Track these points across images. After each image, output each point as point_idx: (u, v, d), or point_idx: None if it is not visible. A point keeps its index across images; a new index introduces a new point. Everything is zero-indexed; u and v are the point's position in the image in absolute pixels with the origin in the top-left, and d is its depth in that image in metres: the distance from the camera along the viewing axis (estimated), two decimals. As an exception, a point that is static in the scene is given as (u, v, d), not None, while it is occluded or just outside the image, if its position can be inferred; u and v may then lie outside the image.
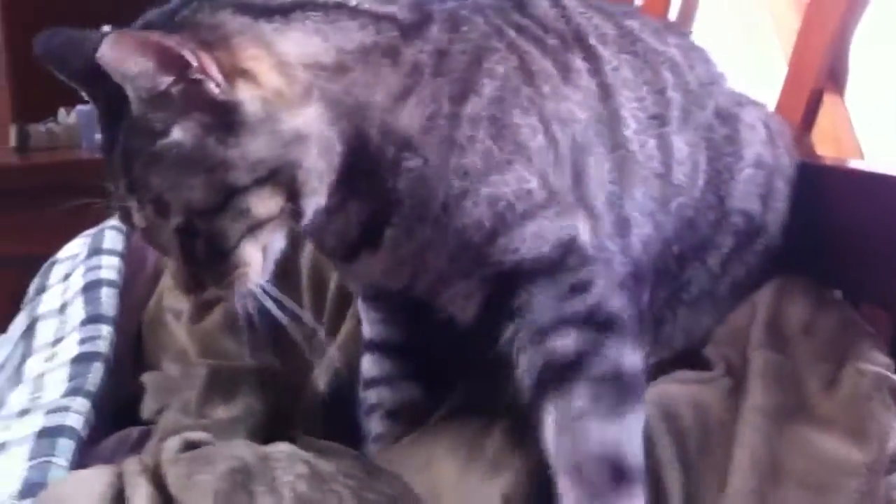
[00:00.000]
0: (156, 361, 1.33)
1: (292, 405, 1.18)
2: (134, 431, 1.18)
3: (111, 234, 1.50)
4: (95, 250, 1.46)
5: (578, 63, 1.01)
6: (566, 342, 0.90)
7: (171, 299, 1.35)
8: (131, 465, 0.92)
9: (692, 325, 1.10)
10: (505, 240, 0.92)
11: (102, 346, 1.24)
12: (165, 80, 0.82)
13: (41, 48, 0.91)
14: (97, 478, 0.92)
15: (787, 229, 1.14)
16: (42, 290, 1.47)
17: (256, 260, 0.88)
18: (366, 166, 0.90)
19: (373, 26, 0.92)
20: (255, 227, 0.86)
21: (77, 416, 1.09)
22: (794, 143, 1.20)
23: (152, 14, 0.90)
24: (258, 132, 0.84)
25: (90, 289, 1.36)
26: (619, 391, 0.89)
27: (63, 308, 1.37)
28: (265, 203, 0.85)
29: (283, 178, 0.85)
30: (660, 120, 1.05)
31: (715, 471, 0.93)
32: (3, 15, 2.59)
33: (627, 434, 0.88)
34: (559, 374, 0.89)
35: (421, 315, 1.01)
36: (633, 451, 0.88)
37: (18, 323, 1.46)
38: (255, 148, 0.84)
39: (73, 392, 1.14)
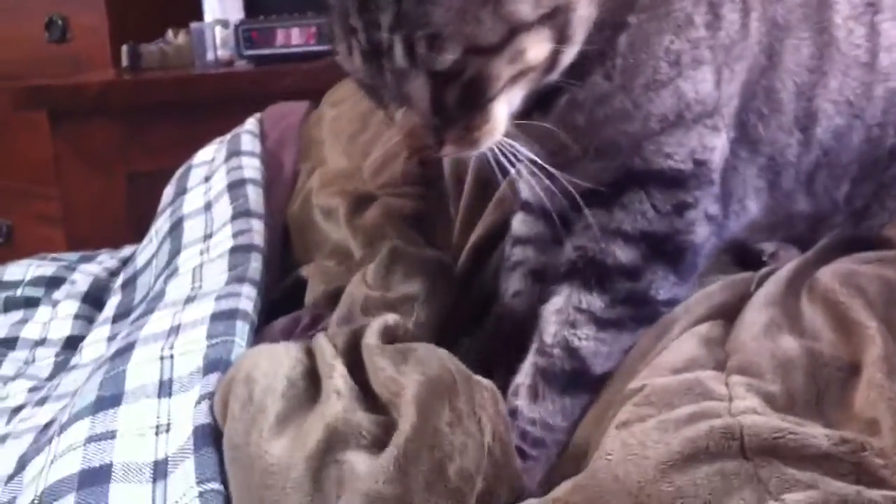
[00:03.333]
0: (306, 261, 1.32)
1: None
2: (305, 315, 1.16)
3: (247, 137, 1.52)
4: (234, 152, 1.47)
5: None
6: (628, 255, 0.91)
7: (322, 198, 1.34)
8: (324, 346, 0.92)
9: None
10: (666, 139, 0.90)
11: (257, 238, 1.25)
12: None
13: None
14: (287, 351, 0.91)
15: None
16: (182, 192, 1.49)
17: (504, 116, 0.85)
18: (599, 27, 0.86)
19: None
20: (520, 75, 0.82)
21: (248, 300, 1.09)
22: None
23: None
24: None
25: (235, 187, 1.38)
26: (635, 314, 0.91)
27: (208, 206, 1.39)
28: (539, 46, 0.81)
29: (559, 21, 0.81)
30: (873, 7, 1.00)
31: None
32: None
33: (610, 349, 0.90)
34: (596, 274, 0.91)
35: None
36: (604, 366, 0.90)
37: (159, 226, 1.48)
38: None
39: (237, 280, 1.14)
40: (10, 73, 2.89)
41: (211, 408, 0.88)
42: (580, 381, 0.89)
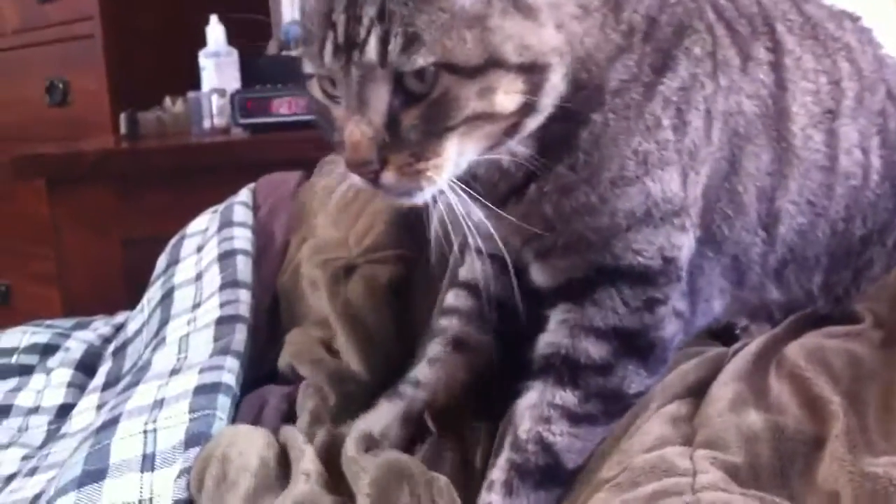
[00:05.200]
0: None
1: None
2: (274, 390, 1.19)
3: (240, 208, 1.56)
4: (227, 223, 1.51)
5: (762, 53, 1.02)
6: (600, 351, 0.94)
7: (309, 269, 1.36)
8: (296, 434, 0.95)
9: None
10: (634, 235, 0.93)
11: (243, 309, 1.28)
12: None
13: None
14: (261, 434, 0.95)
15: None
16: (175, 262, 1.52)
17: (454, 158, 0.85)
18: (563, 116, 0.89)
19: None
20: (483, 118, 0.84)
21: (230, 374, 1.12)
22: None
23: None
24: (535, 23, 0.84)
25: (225, 257, 1.41)
26: (607, 409, 0.94)
27: (199, 276, 1.42)
28: (510, 95, 0.83)
29: (533, 80, 0.84)
30: (832, 114, 1.05)
31: (873, 421, 0.92)
32: (102, 9, 2.63)
33: (584, 444, 0.93)
34: (569, 371, 0.94)
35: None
36: (576, 461, 0.92)
37: (151, 295, 1.52)
38: (529, 34, 0.84)
39: (221, 352, 1.17)
40: (11, 135, 2.95)
41: (188, 483, 0.91)
42: (553, 476, 0.91)
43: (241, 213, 1.54)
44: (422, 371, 1.07)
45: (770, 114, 1.01)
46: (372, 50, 0.81)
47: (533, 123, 0.87)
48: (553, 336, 0.95)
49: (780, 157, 1.01)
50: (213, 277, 1.37)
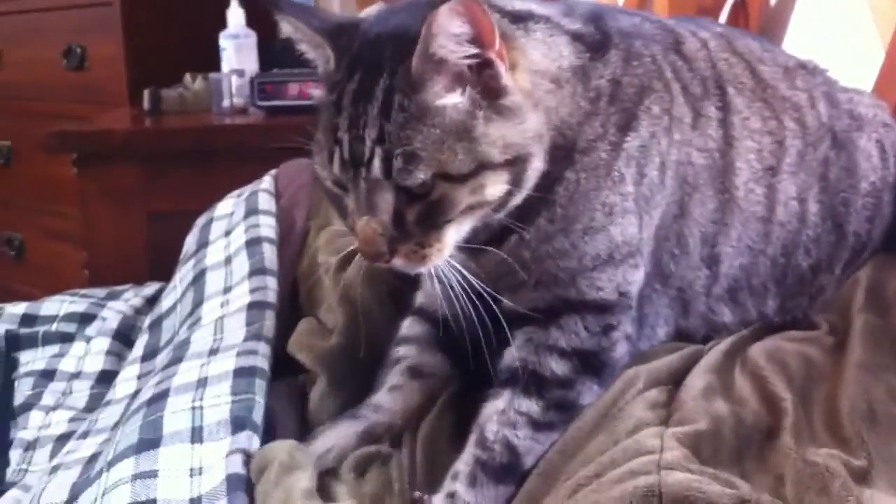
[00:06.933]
0: (311, 314, 1.45)
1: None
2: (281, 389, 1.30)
3: (264, 196, 1.68)
4: (252, 210, 1.63)
5: (712, 111, 1.15)
6: (563, 368, 1.07)
7: (324, 255, 1.47)
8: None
9: None
10: (597, 275, 1.07)
11: (271, 296, 1.41)
12: (469, 50, 0.93)
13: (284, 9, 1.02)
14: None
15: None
16: (205, 244, 1.65)
17: (453, 240, 0.99)
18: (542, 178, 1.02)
19: (574, 45, 1.06)
20: (475, 207, 0.97)
21: (263, 358, 1.25)
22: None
23: None
24: (515, 121, 0.96)
25: (252, 244, 1.54)
26: (564, 418, 1.06)
27: (228, 260, 1.54)
28: (497, 185, 0.97)
29: (517, 169, 0.97)
30: (773, 171, 1.18)
31: (818, 416, 1.06)
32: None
33: (542, 447, 1.04)
34: (535, 384, 1.07)
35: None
36: (533, 462, 1.03)
37: (183, 274, 1.64)
38: (511, 133, 0.96)
39: (254, 337, 1.30)
40: (29, 94, 3.02)
41: (244, 462, 1.04)
42: (513, 474, 1.04)
43: (265, 201, 1.66)
44: (382, 397, 1.18)
45: (717, 167, 1.14)
46: (377, 169, 0.94)
47: (518, 199, 1.00)
48: (519, 352, 1.08)
49: (724, 207, 1.15)
50: (242, 263, 1.50)
